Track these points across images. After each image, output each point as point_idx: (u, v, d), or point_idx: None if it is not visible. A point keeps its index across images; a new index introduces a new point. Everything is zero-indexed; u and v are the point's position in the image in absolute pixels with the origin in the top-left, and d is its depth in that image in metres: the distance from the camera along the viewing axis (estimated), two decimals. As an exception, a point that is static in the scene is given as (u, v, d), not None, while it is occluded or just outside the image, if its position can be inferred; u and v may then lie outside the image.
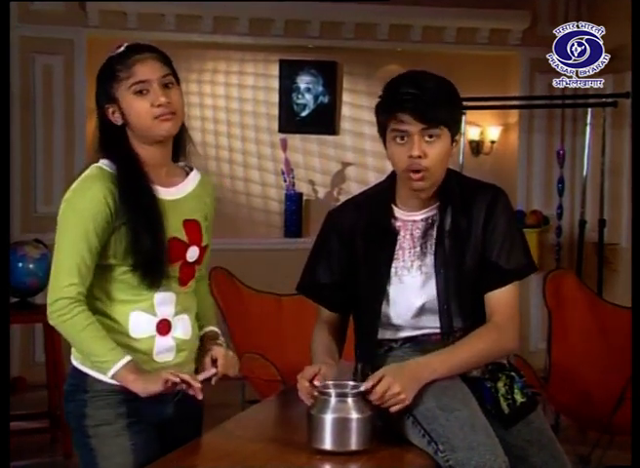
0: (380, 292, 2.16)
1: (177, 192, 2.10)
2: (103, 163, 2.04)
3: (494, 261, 2.13)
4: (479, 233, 2.14)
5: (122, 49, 2.04)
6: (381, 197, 2.22)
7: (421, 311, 2.15)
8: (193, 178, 2.15)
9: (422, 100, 2.04)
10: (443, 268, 2.13)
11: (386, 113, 2.10)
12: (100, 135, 2.09)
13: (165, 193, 2.07)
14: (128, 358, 1.95)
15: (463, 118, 2.76)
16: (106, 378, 2.00)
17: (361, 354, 2.22)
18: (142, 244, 1.97)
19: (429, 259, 2.14)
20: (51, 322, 1.98)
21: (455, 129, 2.12)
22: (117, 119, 2.04)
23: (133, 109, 2.02)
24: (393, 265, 2.16)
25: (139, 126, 2.03)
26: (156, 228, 2.00)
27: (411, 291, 2.15)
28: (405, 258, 2.16)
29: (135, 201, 1.99)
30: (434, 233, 2.15)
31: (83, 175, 2.03)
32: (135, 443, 2.02)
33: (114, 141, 2.05)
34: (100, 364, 1.96)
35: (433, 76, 2.12)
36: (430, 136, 2.07)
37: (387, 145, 2.14)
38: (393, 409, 1.97)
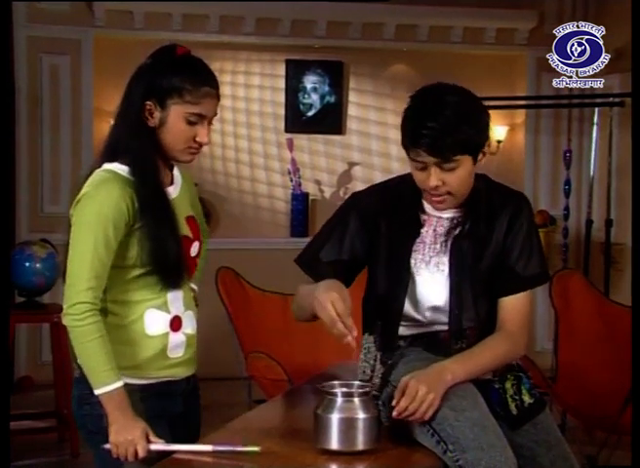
0: (400, 280, 2.15)
1: (174, 190, 2.13)
2: (115, 166, 2.03)
3: (511, 267, 2.15)
4: (500, 239, 2.15)
5: (194, 63, 2.04)
6: (410, 188, 2.20)
7: (433, 308, 2.16)
8: (177, 172, 2.17)
9: (439, 138, 2.01)
10: (458, 270, 2.14)
11: (406, 140, 2.08)
12: (127, 131, 2.05)
13: (169, 193, 2.09)
14: (120, 383, 1.96)
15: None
16: (123, 379, 2.00)
17: (380, 343, 2.20)
18: (169, 248, 2.00)
19: (447, 258, 2.15)
20: (63, 321, 1.99)
21: (477, 150, 2.09)
22: (154, 121, 2.03)
23: (175, 130, 2.02)
24: (413, 257, 2.16)
25: (167, 143, 2.03)
26: (176, 231, 2.04)
27: (425, 285, 2.16)
28: (424, 253, 2.16)
29: (155, 206, 2.01)
30: (456, 234, 2.16)
31: (98, 178, 2.01)
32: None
33: (141, 142, 2.03)
34: (92, 377, 1.97)
35: (453, 98, 2.05)
36: (449, 165, 2.05)
37: (409, 163, 2.12)
38: (427, 413, 1.94)
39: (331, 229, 2.25)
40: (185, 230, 2.10)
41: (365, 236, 2.20)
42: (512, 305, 2.14)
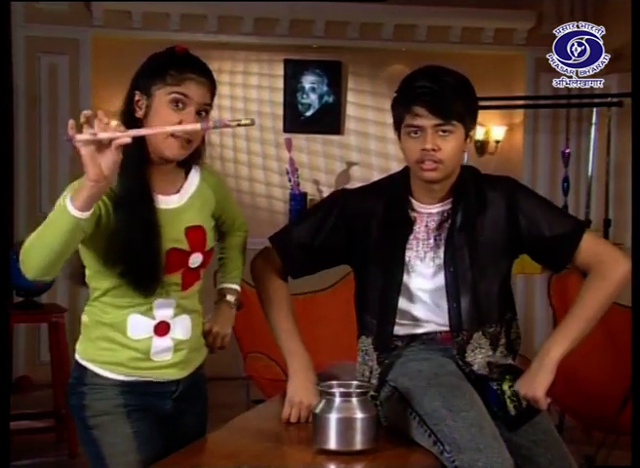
0: (393, 277, 2.16)
1: (179, 199, 2.06)
2: None
3: (551, 237, 2.16)
4: (503, 228, 2.15)
5: (184, 55, 2.02)
6: (399, 187, 2.22)
7: (432, 303, 2.16)
8: (193, 178, 2.12)
9: (438, 94, 2.06)
10: (452, 263, 2.14)
11: (402, 107, 2.12)
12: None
13: (167, 202, 2.03)
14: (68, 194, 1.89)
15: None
16: (104, 372, 2.01)
17: (377, 343, 2.20)
18: (134, 256, 1.94)
19: (442, 252, 2.16)
20: (23, 268, 1.97)
21: (469, 124, 2.13)
22: (140, 109, 1.99)
23: (159, 116, 1.96)
24: (407, 254, 2.17)
25: (152, 135, 1.97)
26: (151, 241, 1.96)
27: (422, 280, 2.16)
28: (419, 249, 2.17)
29: (132, 215, 1.94)
30: (448, 226, 2.16)
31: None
32: (136, 430, 2.02)
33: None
34: (63, 210, 1.90)
35: (450, 71, 2.14)
36: (444, 131, 2.08)
37: (402, 139, 2.15)
38: (543, 404, 2.08)
39: (312, 213, 2.31)
40: (178, 243, 2.03)
41: (344, 234, 2.21)
42: (584, 253, 2.17)
